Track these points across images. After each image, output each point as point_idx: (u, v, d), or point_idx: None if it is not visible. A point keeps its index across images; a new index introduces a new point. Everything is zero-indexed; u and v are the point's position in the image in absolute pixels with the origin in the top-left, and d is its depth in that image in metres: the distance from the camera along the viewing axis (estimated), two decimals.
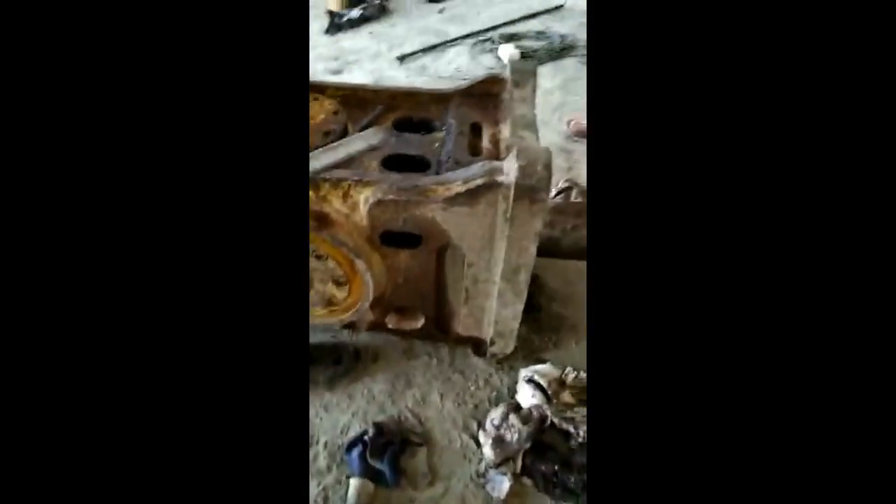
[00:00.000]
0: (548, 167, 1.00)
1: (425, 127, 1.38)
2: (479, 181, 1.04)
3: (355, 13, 3.59)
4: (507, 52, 3.05)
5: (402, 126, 1.37)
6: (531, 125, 1.23)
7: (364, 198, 1.10)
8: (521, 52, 3.08)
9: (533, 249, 1.13)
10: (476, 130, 1.33)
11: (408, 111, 1.42)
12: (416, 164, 1.23)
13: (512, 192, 1.01)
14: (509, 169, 1.02)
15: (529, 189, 1.00)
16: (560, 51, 3.15)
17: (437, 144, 1.29)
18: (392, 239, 1.19)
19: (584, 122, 2.40)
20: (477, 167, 1.06)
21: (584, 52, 3.15)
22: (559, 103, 2.69)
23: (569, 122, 2.43)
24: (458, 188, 1.06)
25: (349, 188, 1.10)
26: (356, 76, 2.98)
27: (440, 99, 1.43)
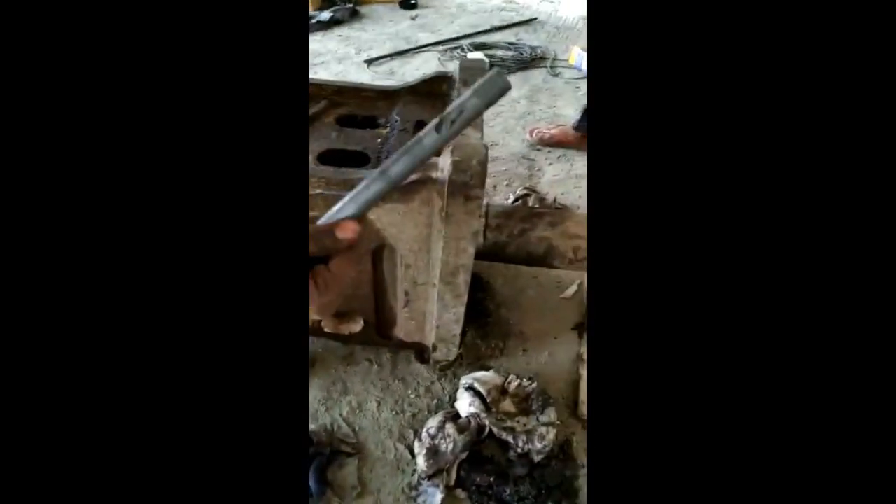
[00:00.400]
0: (482, 163, 0.96)
1: (370, 124, 1.33)
2: (413, 177, 0.99)
3: (325, 15, 3.55)
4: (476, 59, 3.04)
5: (346, 122, 1.32)
6: (477, 123, 1.19)
7: None
8: (490, 61, 3.07)
9: (471, 250, 1.08)
10: (421, 127, 1.28)
11: (353, 107, 1.37)
12: (355, 159, 1.18)
13: (446, 188, 0.97)
14: (444, 165, 0.98)
15: (463, 185, 0.96)
16: (530, 61, 3.16)
17: (379, 140, 1.25)
18: None
19: (546, 131, 2.39)
20: None
21: (553, 63, 3.17)
22: (524, 112, 2.68)
23: (531, 132, 2.42)
24: None
25: None
26: (321, 77, 2.93)
27: (387, 96, 1.38)
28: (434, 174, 0.99)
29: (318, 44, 3.34)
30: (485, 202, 1.25)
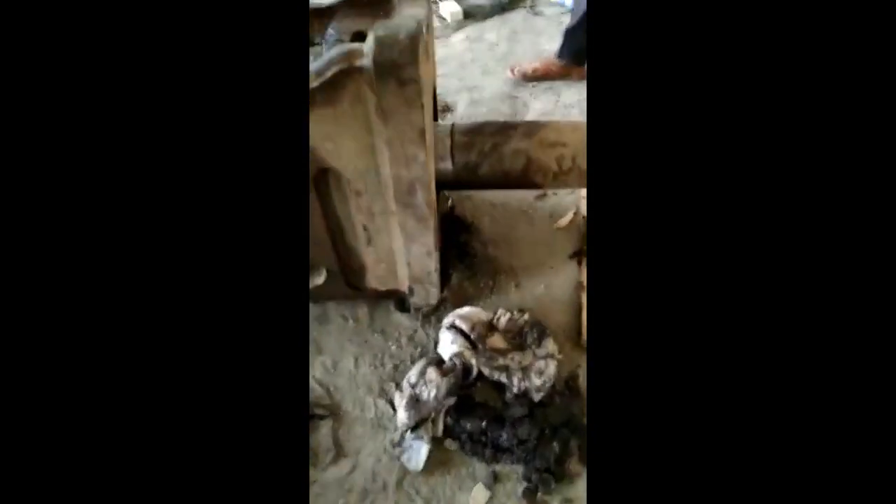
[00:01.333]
0: (412, 36, 0.79)
1: None
2: (335, 68, 0.83)
3: None
4: (450, 9, 2.85)
5: None
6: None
7: None
8: (466, 8, 2.88)
9: (422, 157, 0.92)
10: (360, 38, 1.12)
11: None
12: None
13: (373, 74, 0.80)
14: (368, 49, 0.81)
15: (392, 66, 0.79)
16: (508, 3, 2.95)
17: (313, 59, 1.08)
18: None
19: (528, 65, 2.19)
20: (332, 53, 0.85)
21: (533, 2, 2.95)
22: (505, 53, 2.49)
23: (512, 69, 2.22)
24: (313, 83, 0.84)
25: None
26: None
27: (322, 13, 1.21)
28: (359, 62, 0.82)
29: None
30: (451, 120, 1.08)
